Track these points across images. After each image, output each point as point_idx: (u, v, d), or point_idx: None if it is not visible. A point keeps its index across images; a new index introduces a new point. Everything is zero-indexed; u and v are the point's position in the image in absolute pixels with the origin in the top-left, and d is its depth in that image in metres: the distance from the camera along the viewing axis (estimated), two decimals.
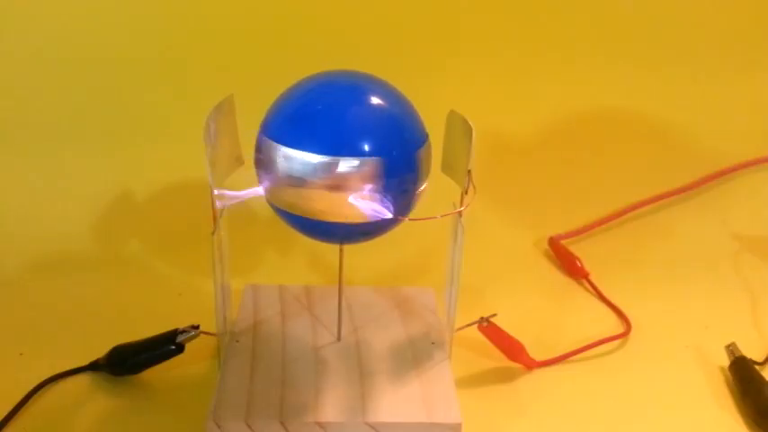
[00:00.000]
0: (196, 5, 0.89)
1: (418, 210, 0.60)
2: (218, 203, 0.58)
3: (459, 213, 0.60)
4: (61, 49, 0.88)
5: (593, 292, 0.82)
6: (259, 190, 0.58)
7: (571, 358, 0.70)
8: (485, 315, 0.67)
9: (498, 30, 0.95)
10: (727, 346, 0.71)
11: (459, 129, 0.60)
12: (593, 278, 0.83)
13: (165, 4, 0.89)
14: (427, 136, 0.59)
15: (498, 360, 0.68)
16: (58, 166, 0.89)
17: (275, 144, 0.56)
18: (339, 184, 0.55)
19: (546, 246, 0.90)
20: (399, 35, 0.93)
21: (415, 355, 0.65)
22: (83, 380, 0.65)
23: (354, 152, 0.54)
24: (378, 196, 0.55)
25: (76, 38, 0.88)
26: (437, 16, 0.93)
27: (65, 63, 0.89)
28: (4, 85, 0.88)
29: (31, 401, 0.62)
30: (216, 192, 0.57)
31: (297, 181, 0.55)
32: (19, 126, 0.89)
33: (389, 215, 0.56)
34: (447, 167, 0.65)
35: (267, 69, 0.87)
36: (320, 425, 0.57)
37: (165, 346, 0.64)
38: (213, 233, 0.60)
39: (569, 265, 0.86)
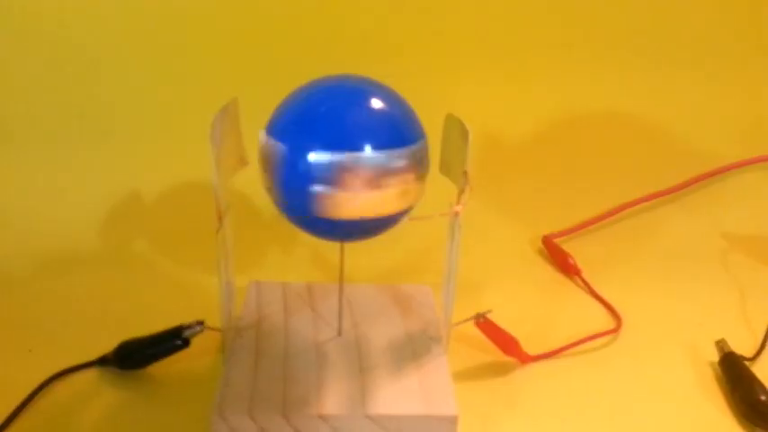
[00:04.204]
0: (200, 7, 0.90)
1: (417, 210, 0.61)
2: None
3: (456, 213, 0.61)
4: (63, 49, 0.89)
5: (586, 288, 0.83)
6: None
7: (563, 353, 0.71)
8: (481, 311, 0.68)
9: (494, 32, 0.96)
10: (717, 342, 0.71)
11: (456, 131, 0.61)
12: (585, 275, 0.84)
13: (169, 6, 0.89)
14: (425, 137, 0.60)
15: (493, 354, 0.69)
16: (62, 166, 0.90)
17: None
18: (340, 184, 0.55)
19: (540, 244, 0.91)
20: (398, 40, 0.94)
21: (413, 349, 0.66)
22: (91, 374, 0.65)
23: (355, 152, 0.55)
24: (376, 195, 0.57)
25: (79, 38, 0.89)
26: (435, 21, 0.94)
27: (73, 64, 0.90)
28: (8, 86, 0.89)
29: (40, 395, 0.62)
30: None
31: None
32: (24, 126, 0.90)
33: (388, 214, 0.57)
34: (444, 168, 0.66)
35: (270, 73, 0.88)
36: (322, 417, 0.58)
37: (172, 341, 0.64)
38: (218, 231, 0.60)
39: (562, 263, 0.86)
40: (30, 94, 0.90)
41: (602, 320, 0.77)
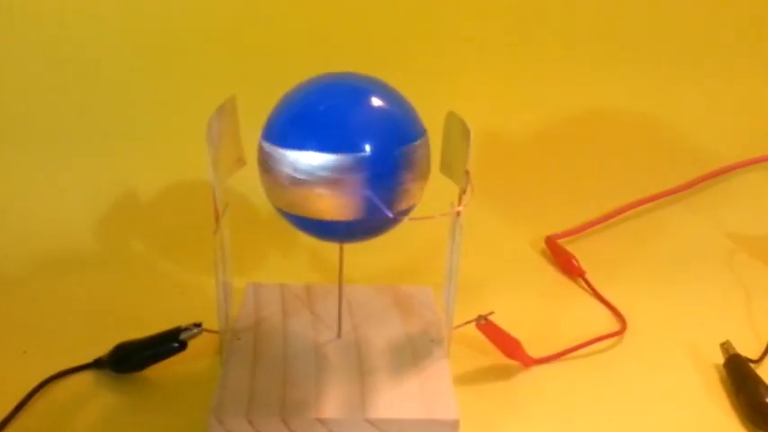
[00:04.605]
0: (198, 6, 0.89)
1: (417, 210, 0.60)
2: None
3: (458, 213, 0.60)
4: (63, 49, 0.89)
5: (589, 290, 0.83)
6: None
7: (567, 356, 0.70)
8: (482, 313, 0.67)
9: (495, 31, 0.96)
10: (722, 344, 0.71)
11: (458, 130, 0.61)
12: (589, 277, 0.84)
13: (168, 5, 0.89)
14: (426, 136, 0.60)
15: (495, 357, 0.68)
16: (61, 166, 0.90)
17: (278, 144, 0.57)
18: (340, 184, 0.55)
19: (543, 245, 0.91)
20: (399, 38, 0.94)
21: (413, 352, 0.66)
22: (86, 377, 0.65)
23: (355, 151, 0.55)
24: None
25: (77, 38, 0.89)
26: (436, 19, 0.94)
27: (73, 64, 0.89)
28: (6, 86, 0.89)
29: (34, 398, 0.62)
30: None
31: (298, 181, 0.56)
32: (22, 126, 0.90)
33: (389, 215, 0.57)
34: (445, 168, 0.65)
35: (269, 71, 0.89)
36: (321, 421, 0.58)
37: (168, 343, 0.64)
38: (215, 232, 0.60)
39: (566, 264, 0.86)
40: (30, 94, 0.90)
41: (607, 323, 0.77)
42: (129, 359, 0.65)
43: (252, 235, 0.85)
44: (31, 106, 0.90)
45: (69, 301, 0.76)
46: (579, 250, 0.87)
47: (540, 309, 0.80)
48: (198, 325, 0.65)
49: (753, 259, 0.91)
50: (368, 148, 0.55)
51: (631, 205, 0.96)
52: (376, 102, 0.58)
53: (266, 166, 0.58)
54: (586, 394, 0.66)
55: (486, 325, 0.67)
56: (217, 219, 0.60)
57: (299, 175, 0.56)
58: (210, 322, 0.65)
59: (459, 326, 0.66)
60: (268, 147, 0.58)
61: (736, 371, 0.68)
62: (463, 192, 0.60)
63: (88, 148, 0.91)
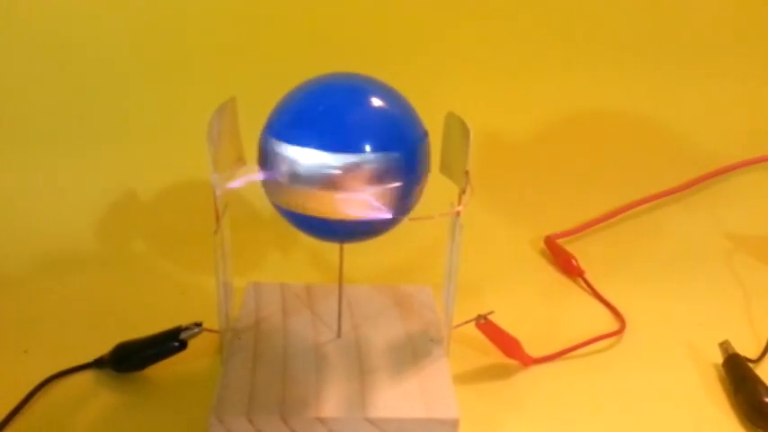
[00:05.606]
0: (198, 6, 0.90)
1: (417, 210, 0.60)
2: (217, 191, 0.58)
3: (457, 213, 0.60)
4: (63, 49, 0.89)
5: (589, 290, 0.83)
6: (253, 176, 0.59)
7: (567, 355, 0.70)
8: (482, 312, 0.67)
9: (495, 31, 0.96)
10: (721, 344, 0.71)
11: (457, 130, 0.61)
12: (588, 276, 0.84)
13: (168, 5, 0.89)
14: (426, 136, 0.60)
15: (495, 357, 0.68)
16: (61, 166, 0.90)
17: (279, 143, 0.57)
18: (340, 183, 0.55)
19: (542, 245, 0.91)
20: (398, 38, 0.94)
21: (413, 351, 0.66)
22: (87, 376, 0.65)
23: (355, 151, 0.55)
24: (376, 195, 0.56)
25: (77, 38, 0.89)
26: (435, 19, 0.94)
27: (73, 64, 0.89)
28: (8, 86, 0.89)
29: (35, 398, 0.62)
30: (214, 177, 0.58)
31: (299, 180, 0.56)
32: (22, 126, 0.90)
33: (388, 214, 0.57)
34: (445, 168, 0.65)
35: (268, 71, 0.88)
36: (320, 420, 0.58)
37: (169, 342, 0.64)
38: (215, 232, 0.60)
39: (565, 264, 0.86)
40: (30, 94, 0.90)
41: (606, 322, 0.77)
42: (130, 358, 0.65)
43: (252, 235, 0.85)
44: (31, 106, 0.90)
45: (70, 301, 0.76)
46: (578, 250, 0.87)
47: (539, 308, 0.79)
48: (198, 324, 0.65)
49: (752, 259, 0.91)
50: (367, 148, 0.55)
51: (630, 205, 0.96)
52: (376, 102, 0.58)
53: (267, 164, 0.58)
54: (586, 394, 0.66)
55: (485, 324, 0.67)
56: (217, 218, 0.60)
57: (299, 174, 0.56)
58: (211, 322, 0.65)
59: (458, 325, 0.66)
60: (269, 145, 0.58)
61: (735, 370, 0.68)
62: (463, 192, 0.60)
63: (88, 148, 0.91)
